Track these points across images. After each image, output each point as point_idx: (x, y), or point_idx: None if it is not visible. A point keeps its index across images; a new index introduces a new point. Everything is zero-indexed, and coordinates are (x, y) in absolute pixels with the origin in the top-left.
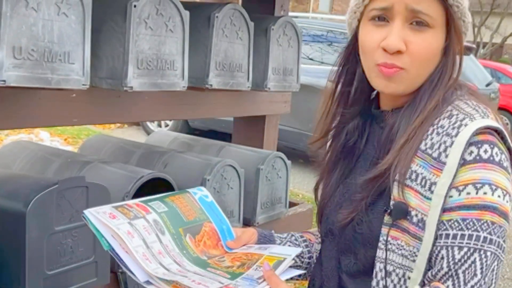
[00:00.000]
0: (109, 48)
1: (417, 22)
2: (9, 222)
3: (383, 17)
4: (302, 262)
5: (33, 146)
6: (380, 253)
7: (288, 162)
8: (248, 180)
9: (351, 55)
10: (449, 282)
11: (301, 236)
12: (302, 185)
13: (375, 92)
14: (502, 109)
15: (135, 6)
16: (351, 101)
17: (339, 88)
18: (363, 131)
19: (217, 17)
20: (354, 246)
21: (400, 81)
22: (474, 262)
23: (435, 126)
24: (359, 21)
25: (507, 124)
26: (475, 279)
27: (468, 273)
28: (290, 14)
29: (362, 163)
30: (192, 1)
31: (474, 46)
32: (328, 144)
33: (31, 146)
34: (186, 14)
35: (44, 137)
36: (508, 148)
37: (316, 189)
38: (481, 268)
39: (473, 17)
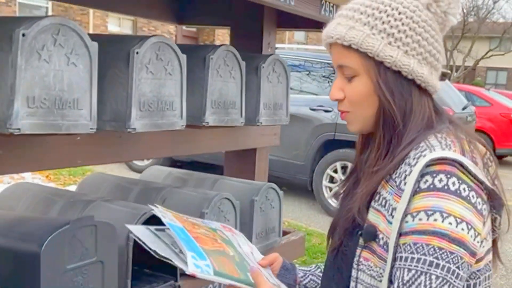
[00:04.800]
0: (112, 92)
1: (346, 73)
2: (23, 263)
3: None
4: None
5: (35, 187)
6: (353, 273)
7: (281, 192)
8: (243, 212)
9: None
10: None
11: None
12: (287, 213)
13: None
14: (478, 130)
15: (137, 53)
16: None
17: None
18: None
19: (211, 58)
20: (340, 266)
21: (351, 122)
22: (420, 284)
23: (406, 157)
24: None
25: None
26: None
27: None
28: None
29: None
30: (188, 44)
31: (448, 71)
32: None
33: (33, 188)
34: (184, 57)
35: (25, 174)
36: (476, 178)
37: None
38: None
39: (445, 42)
